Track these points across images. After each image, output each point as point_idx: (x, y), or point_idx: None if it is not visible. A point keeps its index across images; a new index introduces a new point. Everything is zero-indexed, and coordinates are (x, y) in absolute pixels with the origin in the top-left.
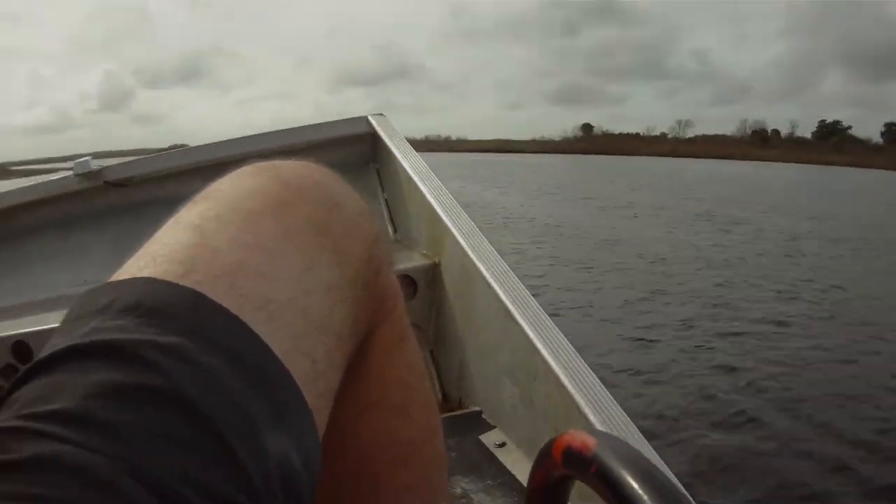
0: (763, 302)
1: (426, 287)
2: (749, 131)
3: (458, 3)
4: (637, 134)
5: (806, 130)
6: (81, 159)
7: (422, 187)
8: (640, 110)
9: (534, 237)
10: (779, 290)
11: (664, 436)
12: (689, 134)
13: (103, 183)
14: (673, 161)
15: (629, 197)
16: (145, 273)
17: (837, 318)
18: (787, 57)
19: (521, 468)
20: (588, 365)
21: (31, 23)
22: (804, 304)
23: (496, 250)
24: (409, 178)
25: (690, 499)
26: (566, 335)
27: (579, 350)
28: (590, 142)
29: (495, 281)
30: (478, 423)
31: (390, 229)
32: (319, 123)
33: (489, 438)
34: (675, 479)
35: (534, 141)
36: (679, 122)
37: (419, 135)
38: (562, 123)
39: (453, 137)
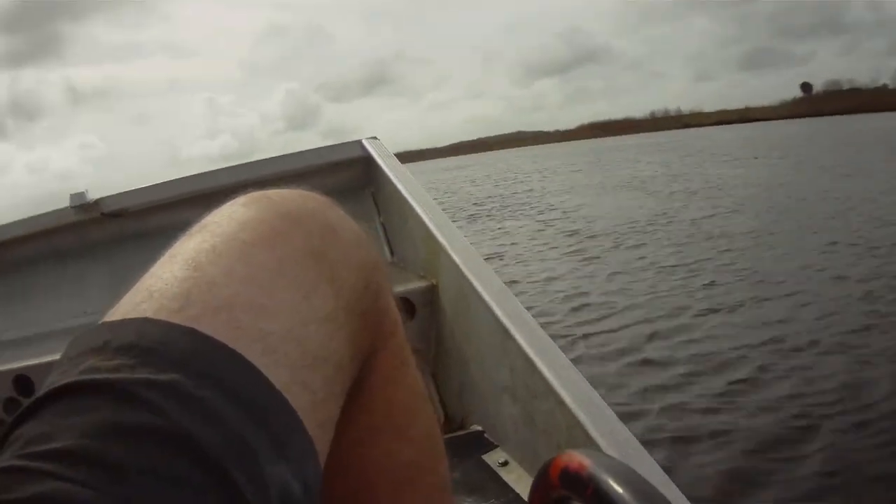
0: None
1: (424, 309)
2: None
3: None
4: (858, 90)
5: None
6: (77, 191)
7: (417, 209)
8: (827, 67)
9: None
10: None
11: None
12: None
13: (100, 214)
14: None
15: None
16: (143, 307)
17: None
18: None
19: (524, 486)
20: (589, 381)
21: (203, 54)
22: None
23: (493, 269)
24: (404, 201)
25: None
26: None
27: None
28: (822, 102)
29: (492, 300)
30: (480, 443)
31: (387, 252)
32: (314, 149)
33: (492, 458)
34: (679, 497)
35: (766, 108)
36: None
37: (638, 113)
38: (761, 89)
39: (682, 110)
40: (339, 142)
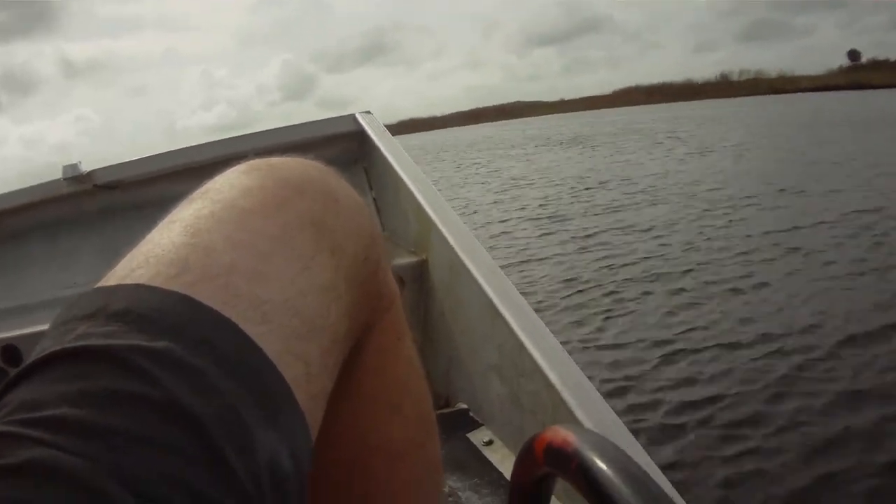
0: None
1: (413, 284)
2: None
3: None
4: None
5: None
6: (70, 163)
7: (409, 184)
8: (828, 41)
9: None
10: None
11: None
12: None
13: (92, 186)
14: None
15: None
16: (139, 273)
17: None
18: None
19: (507, 466)
20: (575, 361)
21: (198, 26)
22: None
23: (483, 246)
24: (397, 176)
25: (669, 494)
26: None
27: None
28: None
29: (482, 277)
30: (465, 421)
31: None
32: (307, 122)
33: (476, 436)
34: (659, 475)
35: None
36: None
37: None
38: (754, 62)
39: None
40: (336, 112)
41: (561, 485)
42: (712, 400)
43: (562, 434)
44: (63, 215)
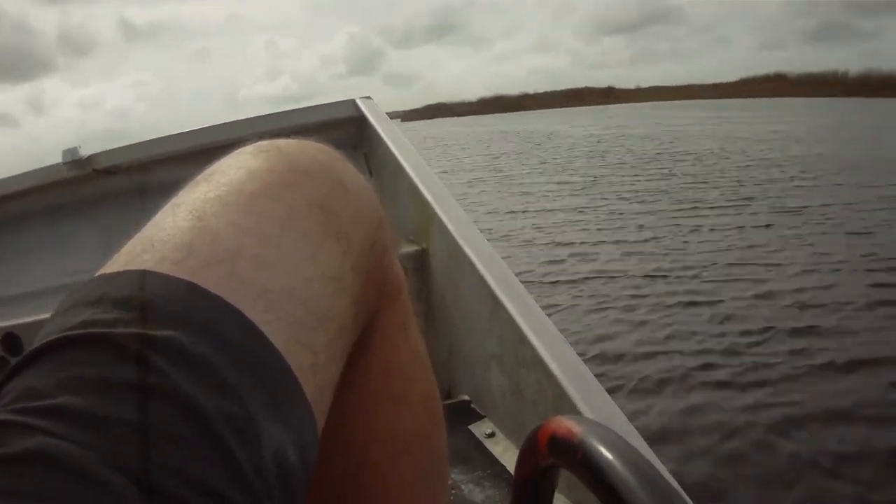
0: None
1: (414, 274)
2: None
3: None
4: None
5: None
6: (70, 147)
7: (409, 172)
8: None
9: None
10: None
11: None
12: None
13: (92, 171)
14: None
15: None
16: (143, 258)
17: None
18: None
19: (510, 458)
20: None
21: None
22: None
23: (483, 235)
24: (397, 163)
25: (675, 487)
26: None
27: None
28: None
29: (483, 267)
30: (467, 413)
31: None
32: (308, 107)
33: (478, 428)
34: (661, 467)
35: None
36: None
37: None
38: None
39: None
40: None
41: (563, 477)
42: (712, 393)
43: (566, 425)
44: (63, 200)
